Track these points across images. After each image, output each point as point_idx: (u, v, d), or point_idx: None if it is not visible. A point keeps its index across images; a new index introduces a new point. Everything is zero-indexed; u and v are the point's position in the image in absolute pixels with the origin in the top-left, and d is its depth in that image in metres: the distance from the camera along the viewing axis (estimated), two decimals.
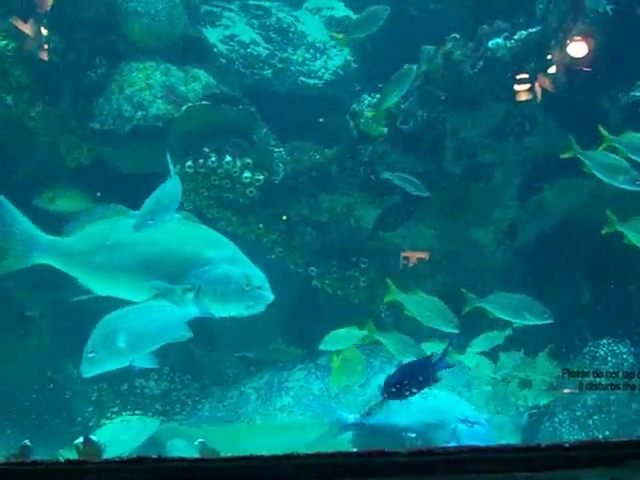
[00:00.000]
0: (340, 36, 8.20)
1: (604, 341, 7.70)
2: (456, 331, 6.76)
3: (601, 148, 6.90)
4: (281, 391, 8.42)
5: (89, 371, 5.40)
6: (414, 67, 7.46)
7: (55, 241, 6.19)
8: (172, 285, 5.72)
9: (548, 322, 6.88)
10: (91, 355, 5.35)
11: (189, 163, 7.97)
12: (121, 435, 8.08)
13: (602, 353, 7.59)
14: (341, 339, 7.09)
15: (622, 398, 7.24)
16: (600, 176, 6.86)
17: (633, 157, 6.81)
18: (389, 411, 6.51)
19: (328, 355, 8.07)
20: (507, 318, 6.92)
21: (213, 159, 7.97)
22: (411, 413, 6.45)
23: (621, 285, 8.11)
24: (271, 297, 5.75)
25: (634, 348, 7.65)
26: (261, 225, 8.20)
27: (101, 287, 6.06)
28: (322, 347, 7.15)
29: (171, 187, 5.89)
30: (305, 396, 8.22)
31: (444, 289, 8.35)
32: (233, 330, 8.91)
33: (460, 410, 6.58)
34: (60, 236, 6.26)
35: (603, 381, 6.19)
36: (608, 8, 7.38)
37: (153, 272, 5.82)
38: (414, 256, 8.30)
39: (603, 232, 6.90)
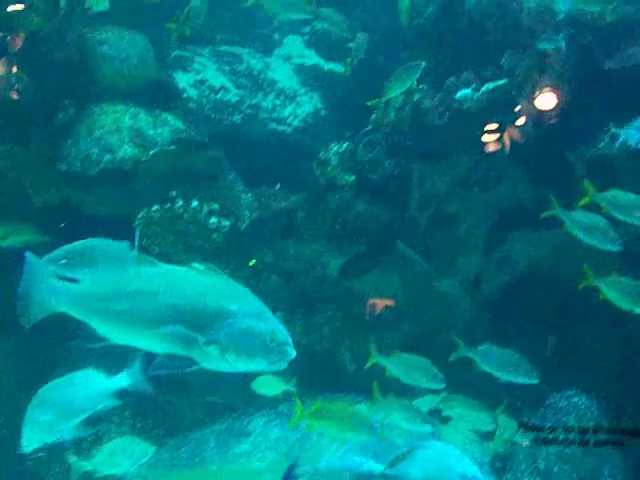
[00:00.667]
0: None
1: (567, 393, 7.71)
2: (443, 385, 6.83)
3: (583, 202, 6.91)
4: (241, 437, 8.38)
5: (28, 445, 5.38)
6: (423, 63, 7.52)
7: (72, 288, 6.13)
8: (195, 334, 5.64)
9: (534, 382, 7.01)
10: (27, 429, 5.33)
11: (155, 207, 7.96)
12: None
13: (564, 405, 7.60)
14: (269, 385, 7.14)
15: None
16: (580, 236, 6.87)
17: (615, 215, 6.82)
18: (411, 462, 6.46)
19: (289, 403, 8.05)
20: (494, 373, 6.95)
21: (180, 204, 7.96)
22: (428, 467, 6.38)
23: (584, 337, 8.14)
24: (294, 354, 5.50)
25: (596, 400, 7.66)
26: (227, 271, 8.18)
27: (120, 335, 5.98)
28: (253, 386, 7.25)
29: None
30: (263, 442, 8.18)
31: (410, 338, 8.38)
32: (197, 375, 8.87)
33: (465, 467, 6.52)
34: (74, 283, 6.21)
35: (559, 436, 6.18)
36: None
37: (175, 322, 5.75)
38: (380, 304, 8.30)
39: (580, 287, 6.91)
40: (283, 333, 5.58)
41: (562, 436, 6.22)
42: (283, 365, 5.70)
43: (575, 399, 7.71)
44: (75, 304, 6.05)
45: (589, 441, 6.28)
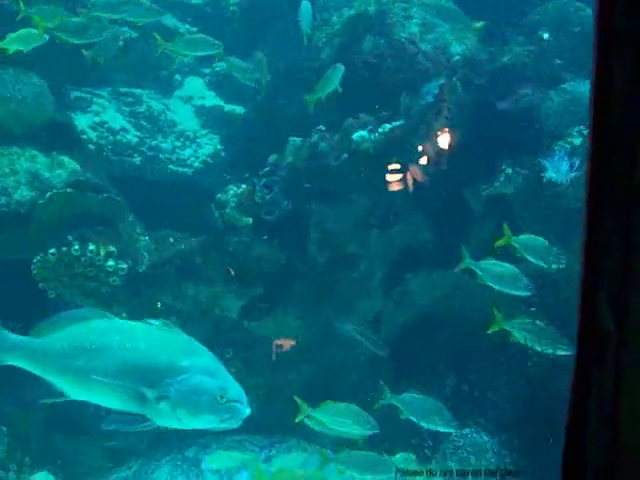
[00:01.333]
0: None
1: (466, 431, 7.76)
2: (376, 431, 6.87)
3: (500, 243, 7.08)
4: None
5: None
6: (342, 66, 7.79)
7: (26, 341, 6.00)
8: (145, 389, 5.54)
9: (452, 430, 7.20)
10: None
11: (52, 250, 7.85)
12: None
13: (462, 443, 7.65)
14: None
15: None
16: (493, 285, 7.07)
17: (528, 257, 7.06)
18: None
19: (196, 448, 7.98)
20: (416, 421, 7.04)
21: (76, 247, 7.87)
22: None
23: (484, 375, 8.20)
24: (247, 411, 5.51)
25: (494, 437, 7.72)
26: (124, 314, 8.10)
27: (76, 391, 5.86)
28: None
29: None
30: None
31: (311, 379, 8.37)
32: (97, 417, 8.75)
33: None
34: (29, 336, 6.08)
35: None
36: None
37: (128, 378, 5.64)
38: (280, 346, 8.28)
39: (489, 331, 7.07)
40: (235, 390, 5.54)
41: None
42: (235, 423, 5.60)
43: (474, 436, 7.76)
44: (32, 359, 5.92)
45: None
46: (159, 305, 8.19)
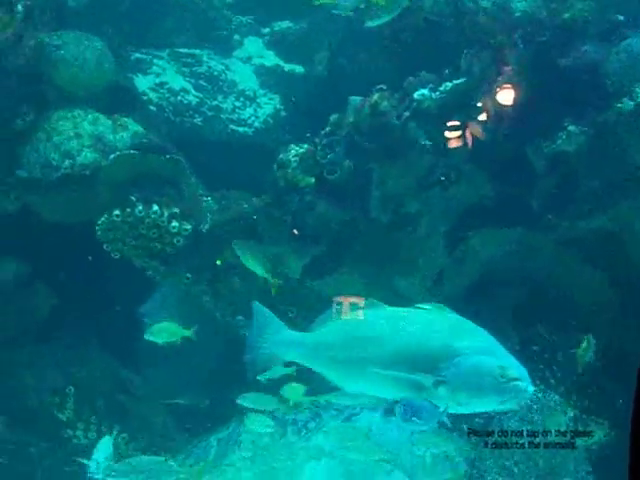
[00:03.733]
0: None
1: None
2: None
3: None
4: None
5: None
6: None
7: (302, 337, 6.05)
8: (421, 376, 5.43)
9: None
10: None
11: (117, 212, 7.94)
12: None
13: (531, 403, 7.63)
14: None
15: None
16: None
17: None
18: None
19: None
20: None
21: (140, 208, 7.95)
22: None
23: (548, 332, 8.18)
24: (531, 390, 5.33)
25: (563, 398, 7.72)
26: (189, 275, 8.19)
27: (350, 383, 5.83)
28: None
29: None
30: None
31: None
32: (161, 377, 8.89)
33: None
34: (308, 332, 6.14)
35: (508, 440, 6.17)
36: None
37: (403, 366, 5.51)
38: (344, 304, 8.30)
39: None
40: (516, 368, 5.32)
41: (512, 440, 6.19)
42: (518, 403, 5.46)
43: (539, 395, 7.75)
44: (305, 353, 5.94)
45: (539, 444, 6.29)
46: (218, 262, 8.24)
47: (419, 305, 5.92)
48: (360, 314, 5.88)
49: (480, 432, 6.67)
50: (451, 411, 5.52)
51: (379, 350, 5.62)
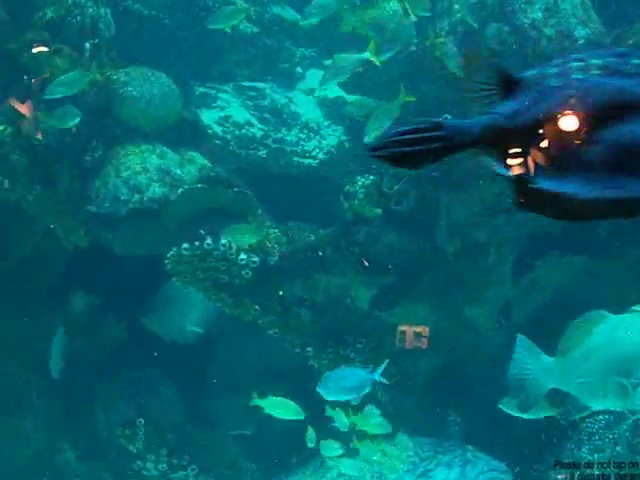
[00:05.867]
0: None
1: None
2: None
3: None
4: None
5: None
6: None
7: (557, 362, 6.08)
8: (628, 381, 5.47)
9: None
10: None
11: (185, 245, 8.03)
12: None
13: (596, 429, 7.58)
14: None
15: None
16: None
17: None
18: None
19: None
20: None
21: (209, 241, 8.03)
22: None
23: None
24: None
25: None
26: (257, 307, 8.24)
27: (595, 401, 5.91)
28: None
29: None
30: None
31: (443, 365, 8.42)
32: (229, 407, 8.95)
33: None
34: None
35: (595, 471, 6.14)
36: None
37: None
38: (410, 334, 8.32)
39: None
40: None
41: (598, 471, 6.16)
42: None
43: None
44: (561, 378, 5.97)
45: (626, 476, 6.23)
46: (280, 294, 8.29)
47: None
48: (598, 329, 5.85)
49: (567, 464, 6.63)
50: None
51: (603, 360, 5.63)
